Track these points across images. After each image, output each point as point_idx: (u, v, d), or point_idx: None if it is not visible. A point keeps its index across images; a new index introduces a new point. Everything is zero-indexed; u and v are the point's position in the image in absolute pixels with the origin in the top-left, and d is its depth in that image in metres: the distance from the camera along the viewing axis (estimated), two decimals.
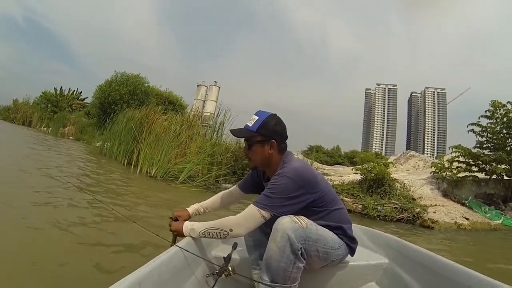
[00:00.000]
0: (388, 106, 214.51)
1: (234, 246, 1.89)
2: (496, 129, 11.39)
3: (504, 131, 11.30)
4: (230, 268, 1.62)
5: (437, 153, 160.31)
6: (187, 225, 1.71)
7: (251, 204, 1.60)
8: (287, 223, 1.48)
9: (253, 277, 1.79)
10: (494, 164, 11.00)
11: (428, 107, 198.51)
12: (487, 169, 11.34)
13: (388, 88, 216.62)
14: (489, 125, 11.59)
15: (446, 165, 11.84)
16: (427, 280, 1.71)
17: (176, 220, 1.86)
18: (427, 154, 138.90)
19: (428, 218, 7.42)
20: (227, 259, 1.69)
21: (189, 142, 9.00)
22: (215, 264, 1.72)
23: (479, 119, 11.84)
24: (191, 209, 1.99)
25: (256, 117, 1.73)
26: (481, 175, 11.65)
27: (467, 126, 12.04)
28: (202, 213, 2.04)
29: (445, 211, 8.15)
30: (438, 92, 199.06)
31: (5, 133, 16.09)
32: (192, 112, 11.46)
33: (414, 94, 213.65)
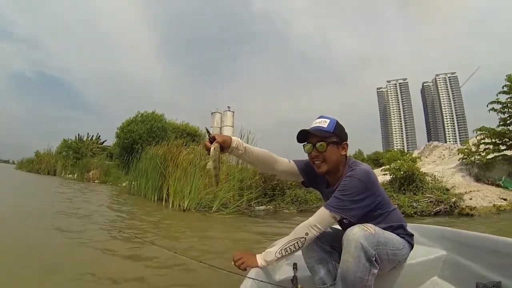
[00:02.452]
0: (402, 101, 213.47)
1: (295, 266, 1.80)
2: None
3: None
4: None
5: (460, 138, 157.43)
6: (259, 256, 1.69)
7: (322, 207, 1.64)
8: (358, 232, 1.50)
9: None
10: None
11: (442, 94, 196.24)
12: None
13: (399, 83, 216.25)
14: (508, 100, 11.38)
15: (473, 149, 11.62)
16: (494, 263, 1.70)
17: (214, 139, 1.61)
18: (449, 141, 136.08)
19: (466, 206, 7.28)
20: (294, 281, 1.66)
21: None
22: (293, 285, 1.65)
23: (497, 96, 11.63)
24: (235, 138, 1.71)
25: (327, 120, 1.73)
26: (510, 153, 11.39)
27: (487, 106, 11.82)
28: (239, 153, 1.72)
29: (481, 196, 7.99)
30: (449, 77, 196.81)
31: (38, 184, 16.54)
32: None
33: (426, 84, 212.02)
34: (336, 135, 1.71)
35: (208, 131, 1.70)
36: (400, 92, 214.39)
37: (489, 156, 11.41)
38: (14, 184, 14.86)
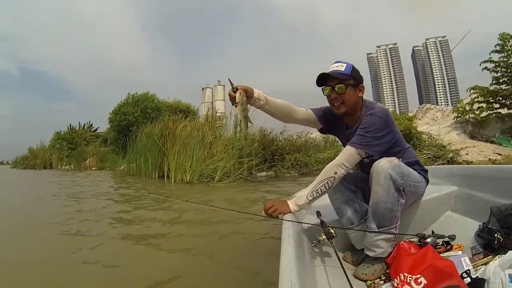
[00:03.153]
0: (393, 66, 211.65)
1: (318, 213, 1.84)
2: (509, 61, 11.24)
3: None
4: (332, 231, 1.58)
5: (451, 100, 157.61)
6: (290, 202, 1.72)
7: (347, 146, 1.68)
8: (385, 164, 1.54)
9: (351, 234, 1.80)
10: None
11: (433, 58, 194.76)
12: (508, 103, 11.23)
13: (389, 48, 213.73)
14: (501, 59, 11.44)
15: (468, 107, 11.77)
16: (504, 189, 1.76)
17: (236, 89, 1.65)
18: (441, 104, 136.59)
19: (463, 160, 7.51)
20: (324, 224, 1.65)
21: (214, 142, 9.17)
22: (323, 227, 1.62)
23: (490, 55, 11.67)
24: (256, 90, 1.76)
25: (344, 64, 1.75)
26: (503, 111, 11.53)
27: (480, 65, 11.87)
28: (260, 103, 1.77)
29: (477, 151, 8.21)
30: (440, 41, 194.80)
31: (40, 178, 15.97)
32: (209, 113, 11.36)
33: (417, 48, 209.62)
34: (353, 77, 1.74)
35: (231, 82, 1.71)
36: (391, 57, 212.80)
37: (483, 114, 11.58)
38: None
